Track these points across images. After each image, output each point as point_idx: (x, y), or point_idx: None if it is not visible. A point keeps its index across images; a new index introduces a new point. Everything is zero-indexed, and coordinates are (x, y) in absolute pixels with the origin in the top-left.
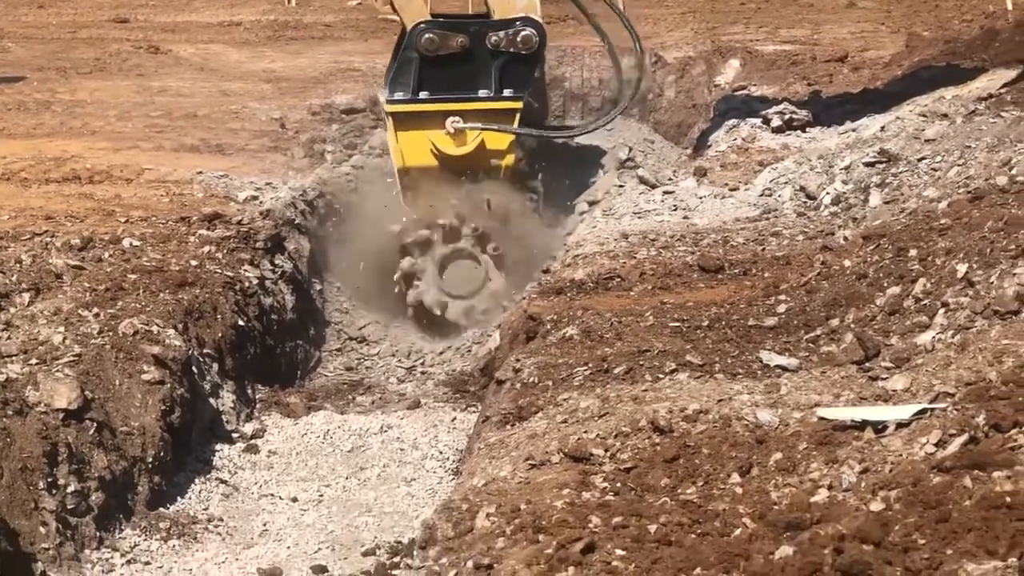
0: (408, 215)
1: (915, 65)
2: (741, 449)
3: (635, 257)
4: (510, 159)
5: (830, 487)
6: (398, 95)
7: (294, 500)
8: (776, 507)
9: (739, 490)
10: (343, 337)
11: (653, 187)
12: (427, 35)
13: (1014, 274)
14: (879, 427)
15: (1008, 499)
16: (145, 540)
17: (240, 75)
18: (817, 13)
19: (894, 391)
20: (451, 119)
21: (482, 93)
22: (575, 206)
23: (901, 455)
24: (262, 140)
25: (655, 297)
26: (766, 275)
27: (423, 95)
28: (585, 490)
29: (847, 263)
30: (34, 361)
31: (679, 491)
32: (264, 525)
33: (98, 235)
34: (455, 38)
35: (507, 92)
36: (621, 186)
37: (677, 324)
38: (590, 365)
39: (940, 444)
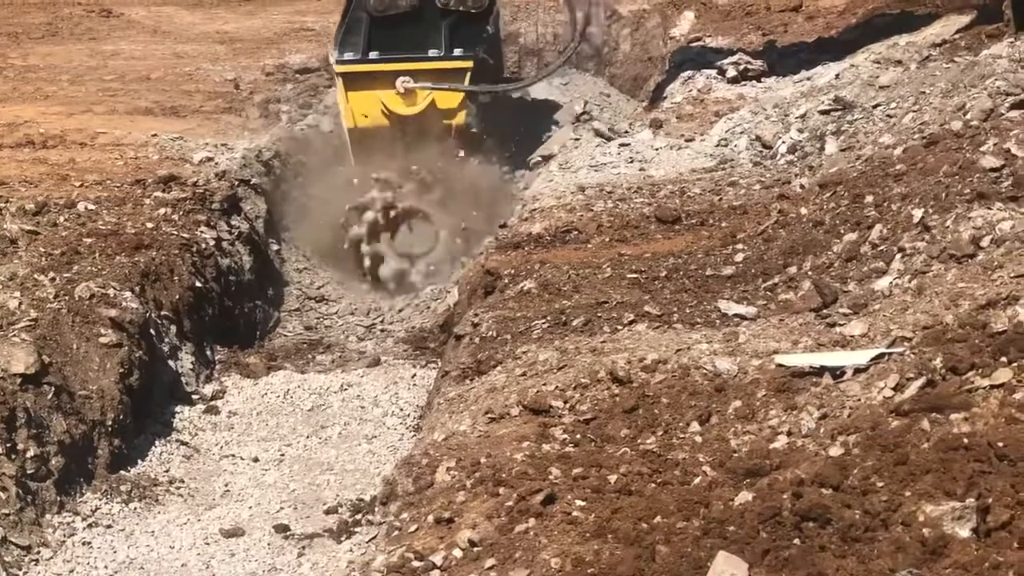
0: (357, 176)
1: (869, 13)
2: (700, 398)
3: (592, 210)
4: (460, 118)
5: (789, 433)
6: (348, 55)
7: (255, 460)
8: (735, 454)
9: (699, 438)
10: (302, 296)
11: (609, 140)
12: None
13: (969, 218)
14: (837, 373)
15: (965, 440)
16: (106, 503)
17: (193, 37)
18: None
19: (852, 337)
20: (401, 79)
21: (432, 52)
22: (531, 160)
23: (859, 400)
24: (216, 102)
25: (612, 249)
26: (723, 225)
27: (373, 55)
28: (545, 442)
29: (804, 211)
30: None
31: (639, 441)
32: (226, 486)
33: (53, 199)
34: None
35: (457, 51)
36: (577, 139)
37: (635, 275)
38: (548, 318)
39: (898, 388)
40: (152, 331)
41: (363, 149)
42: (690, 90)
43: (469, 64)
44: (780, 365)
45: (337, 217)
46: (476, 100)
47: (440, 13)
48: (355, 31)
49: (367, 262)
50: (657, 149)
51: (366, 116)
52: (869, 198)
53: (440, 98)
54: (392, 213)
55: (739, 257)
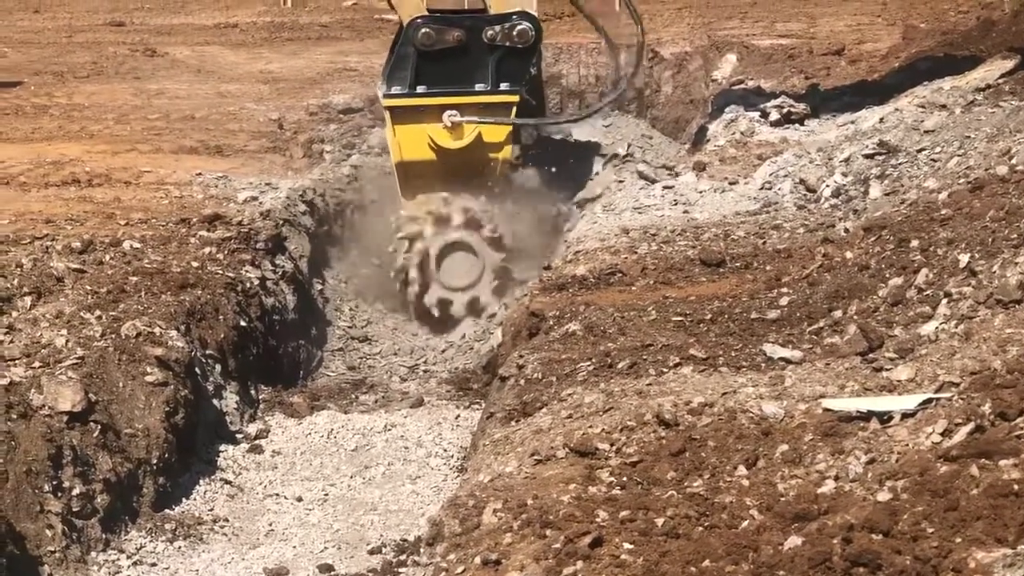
0: (405, 209)
1: (912, 57)
2: (747, 441)
3: (636, 252)
4: (507, 152)
5: (837, 478)
6: (395, 89)
7: (299, 500)
8: (783, 498)
9: (746, 482)
10: (344, 336)
11: (653, 182)
12: (423, 30)
13: (1016, 263)
14: (884, 417)
15: (1015, 487)
16: (151, 541)
17: (237, 76)
18: (813, 6)
19: (899, 381)
20: (448, 112)
21: (479, 87)
22: (574, 203)
23: (907, 445)
24: (260, 141)
25: (657, 292)
26: (768, 268)
27: (420, 89)
28: (591, 484)
29: (849, 255)
30: (37, 364)
31: (686, 484)
32: (270, 525)
33: (98, 238)
34: (451, 32)
35: (504, 86)
36: (620, 181)
37: (680, 318)
38: (594, 360)
39: (946, 433)
40: (197, 370)
41: (410, 182)
42: (733, 133)
43: (516, 98)
44: (827, 409)
45: (383, 253)
46: (520, 137)
47: (487, 48)
48: (402, 66)
49: (413, 294)
50: (701, 192)
51: (413, 150)
52: (914, 243)
53: (487, 132)
54: (438, 246)
55: (784, 301)
